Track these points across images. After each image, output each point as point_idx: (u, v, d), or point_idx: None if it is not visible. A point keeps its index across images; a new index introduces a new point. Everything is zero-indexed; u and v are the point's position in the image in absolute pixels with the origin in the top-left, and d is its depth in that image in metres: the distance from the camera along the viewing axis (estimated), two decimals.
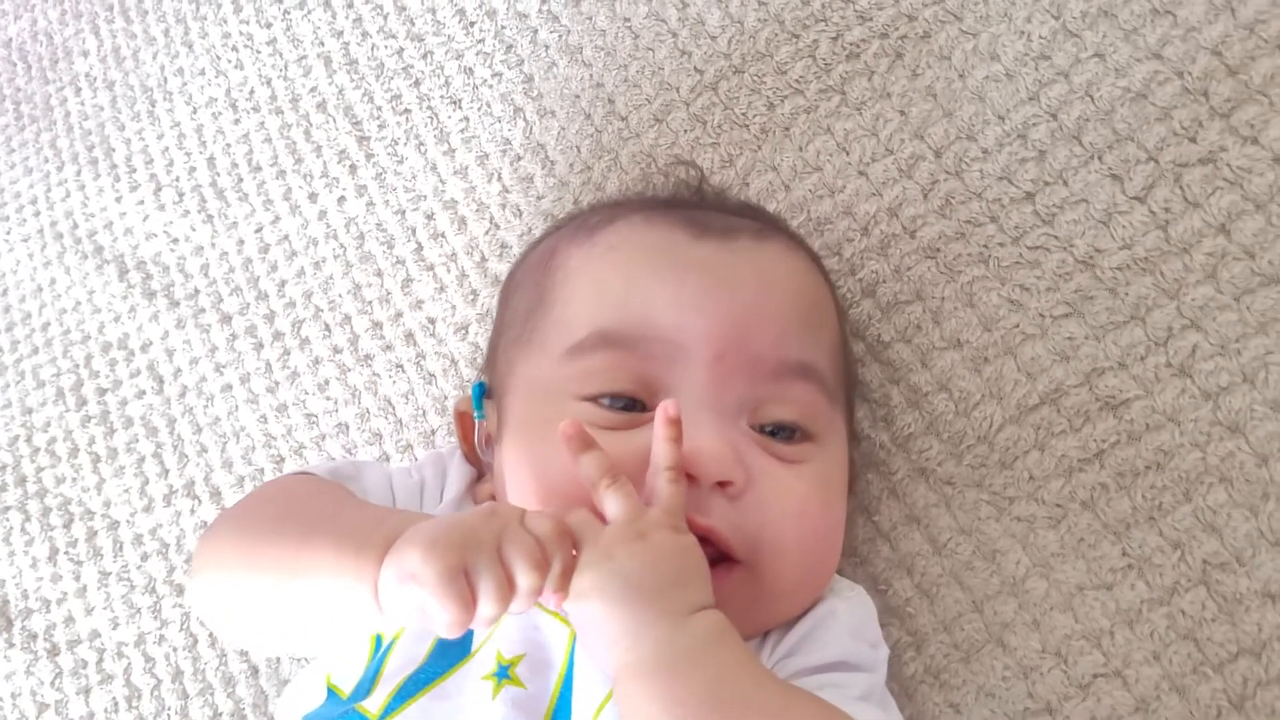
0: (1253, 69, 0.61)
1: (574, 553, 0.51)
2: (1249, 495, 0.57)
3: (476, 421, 0.66)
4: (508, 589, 0.47)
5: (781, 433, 0.59)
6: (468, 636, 0.57)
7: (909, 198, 0.69)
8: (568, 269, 0.63)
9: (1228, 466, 0.58)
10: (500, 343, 0.66)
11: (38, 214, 1.16)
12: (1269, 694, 0.55)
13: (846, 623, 0.59)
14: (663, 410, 0.54)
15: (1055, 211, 0.65)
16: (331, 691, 0.59)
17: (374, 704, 0.55)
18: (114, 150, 1.13)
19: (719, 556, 0.56)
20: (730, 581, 0.55)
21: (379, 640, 0.58)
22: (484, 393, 0.66)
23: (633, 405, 0.58)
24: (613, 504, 0.52)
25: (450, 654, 0.56)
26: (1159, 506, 0.60)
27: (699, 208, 0.67)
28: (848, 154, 0.72)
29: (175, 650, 0.87)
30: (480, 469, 0.67)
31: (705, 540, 0.54)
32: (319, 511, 0.58)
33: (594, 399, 0.58)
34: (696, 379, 0.57)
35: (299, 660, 0.79)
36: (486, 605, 0.47)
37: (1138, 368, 0.61)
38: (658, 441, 0.54)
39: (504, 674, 0.54)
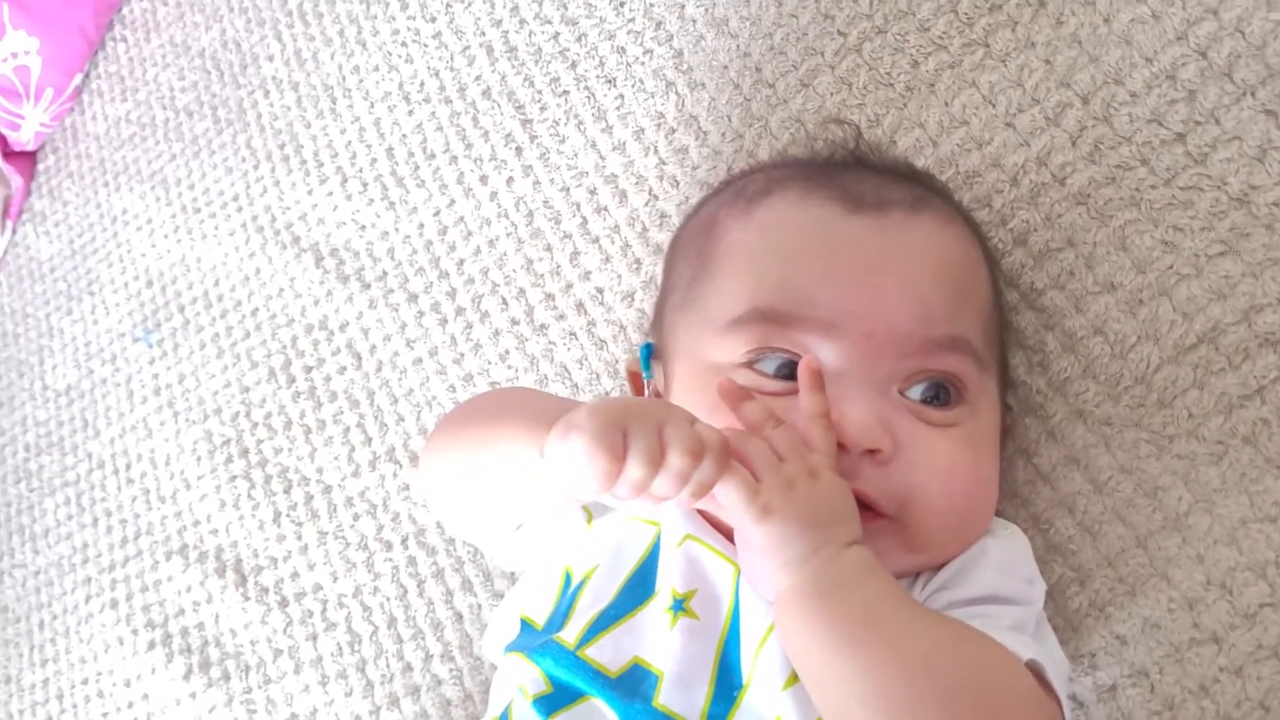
0: None
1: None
2: None
3: (646, 381, 0.71)
4: (658, 458, 0.52)
5: (933, 400, 0.62)
6: (651, 578, 0.62)
7: (1057, 146, 0.71)
8: (727, 242, 0.67)
9: None
10: (665, 306, 0.71)
11: (240, 210, 1.27)
12: None
13: (998, 560, 0.62)
14: (804, 365, 0.59)
15: (1207, 151, 0.65)
16: (525, 624, 0.66)
17: (570, 635, 0.61)
18: (302, 146, 1.23)
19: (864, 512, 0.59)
20: (874, 531, 0.59)
21: (568, 579, 0.65)
22: (651, 353, 0.71)
23: (790, 371, 0.62)
24: (782, 441, 0.57)
25: (637, 593, 0.62)
26: None
27: (853, 170, 0.70)
28: (994, 106, 0.73)
29: (388, 600, 0.96)
30: None
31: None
32: (518, 400, 0.66)
33: (751, 364, 0.62)
34: (847, 354, 0.61)
35: (496, 604, 0.87)
36: (634, 466, 0.52)
37: None
38: (804, 393, 0.58)
39: (679, 607, 0.60)
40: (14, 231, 1.53)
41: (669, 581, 0.61)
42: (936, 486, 0.60)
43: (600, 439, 0.52)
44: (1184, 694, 0.62)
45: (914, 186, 0.68)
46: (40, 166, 1.57)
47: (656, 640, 0.60)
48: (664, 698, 0.58)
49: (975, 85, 0.74)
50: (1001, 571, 0.62)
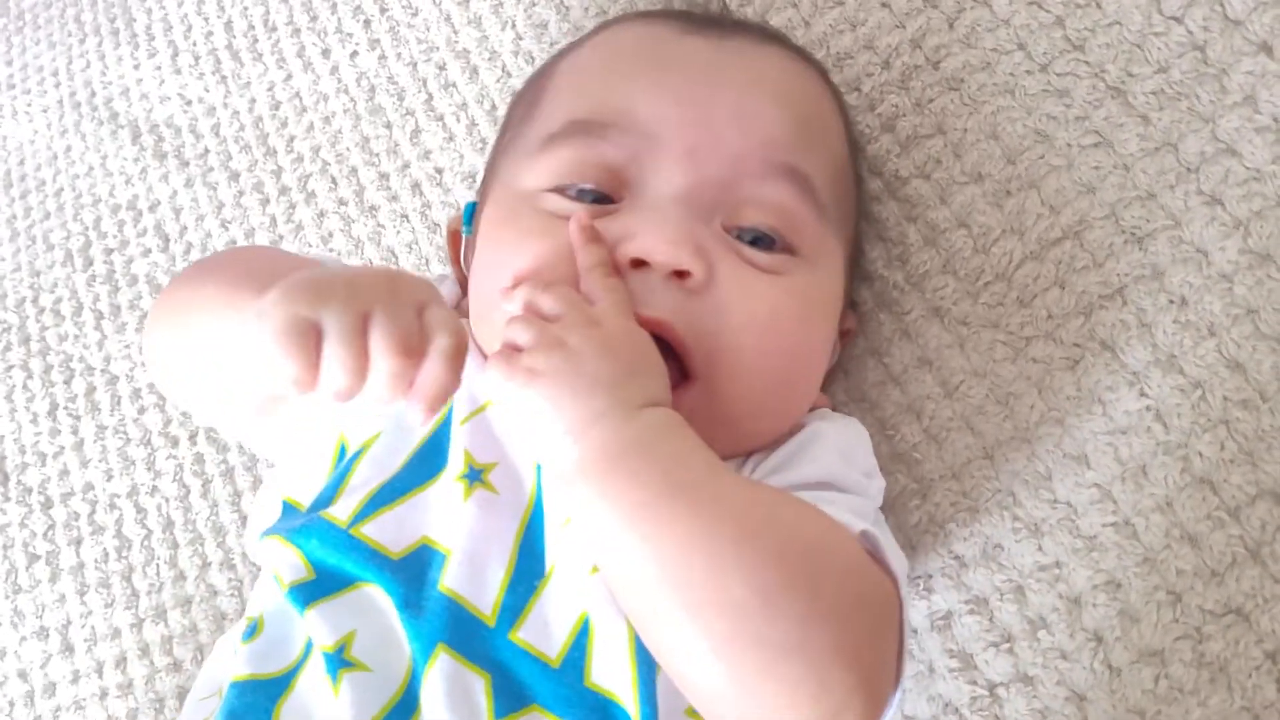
0: None
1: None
2: (1276, 326, 0.53)
3: (465, 238, 0.63)
4: (361, 358, 0.42)
5: (761, 241, 0.54)
6: (444, 446, 0.53)
7: (933, 27, 0.66)
8: (559, 71, 0.61)
9: (1255, 296, 0.54)
10: (494, 156, 0.64)
11: (58, 85, 1.15)
12: None
13: (835, 444, 0.56)
14: (574, 220, 0.52)
15: (1086, 36, 0.61)
16: (288, 505, 0.56)
17: (341, 511, 0.52)
18: (135, 20, 1.11)
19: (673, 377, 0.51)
20: (683, 398, 0.51)
21: (343, 450, 0.56)
22: (475, 211, 0.63)
23: (602, 200, 0.54)
24: (550, 302, 0.49)
25: (428, 464, 0.53)
26: (1181, 345, 0.56)
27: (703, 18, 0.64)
28: None
29: (167, 500, 0.85)
30: (466, 292, 0.65)
31: (657, 339, 0.50)
32: (244, 261, 0.54)
33: (561, 190, 0.55)
34: (667, 171, 0.54)
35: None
36: (330, 372, 0.42)
37: (1166, 196, 0.58)
38: (577, 249, 0.51)
39: (476, 477, 0.52)
40: None
41: (463, 445, 0.52)
42: (753, 335, 0.52)
43: (288, 334, 0.41)
44: (1024, 624, 0.57)
45: (770, 34, 0.63)
46: None
47: (446, 515, 0.51)
48: (450, 580, 0.49)
49: None
50: (840, 456, 0.55)
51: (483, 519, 0.50)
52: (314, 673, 0.49)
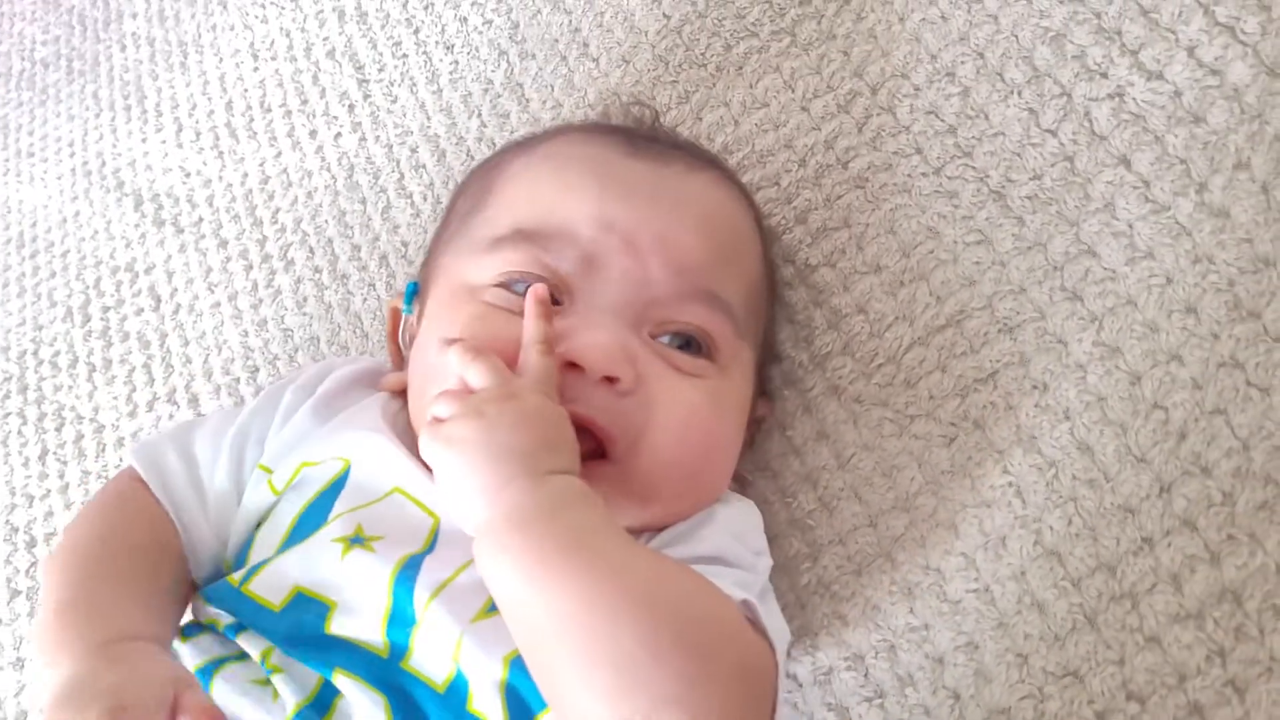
0: (1162, 8, 0.63)
1: None
2: (1121, 413, 0.59)
3: (405, 316, 0.69)
4: None
5: (683, 346, 0.60)
6: (326, 509, 0.59)
7: (844, 131, 0.72)
8: (507, 174, 0.66)
9: (1105, 385, 0.59)
10: (437, 242, 0.69)
11: (72, 155, 1.24)
12: (1120, 608, 0.55)
13: (726, 525, 0.60)
14: (532, 292, 0.57)
15: (974, 144, 0.68)
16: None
17: (239, 574, 0.58)
18: (146, 97, 1.20)
19: (591, 453, 0.56)
20: (598, 473, 0.55)
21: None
22: (416, 292, 0.69)
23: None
24: (476, 374, 0.54)
25: (309, 524, 0.59)
26: (1040, 426, 0.61)
27: (644, 134, 0.71)
28: (793, 91, 0.75)
29: None
30: (400, 364, 0.70)
31: (583, 430, 0.55)
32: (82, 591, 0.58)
33: (506, 285, 0.60)
34: (601, 286, 0.59)
35: None
36: None
37: (1035, 291, 0.63)
38: (527, 320, 0.56)
39: (359, 541, 0.56)
40: None
41: (358, 519, 0.57)
42: (672, 430, 0.58)
43: None
44: (894, 681, 0.61)
45: (701, 156, 0.69)
46: None
47: (323, 568, 0.56)
48: (337, 626, 0.54)
49: (779, 70, 0.76)
50: (731, 535, 0.59)
51: (361, 574, 0.55)
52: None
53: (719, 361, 0.61)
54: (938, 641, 0.60)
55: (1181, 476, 0.56)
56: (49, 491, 0.99)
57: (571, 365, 0.57)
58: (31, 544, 0.97)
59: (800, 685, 0.64)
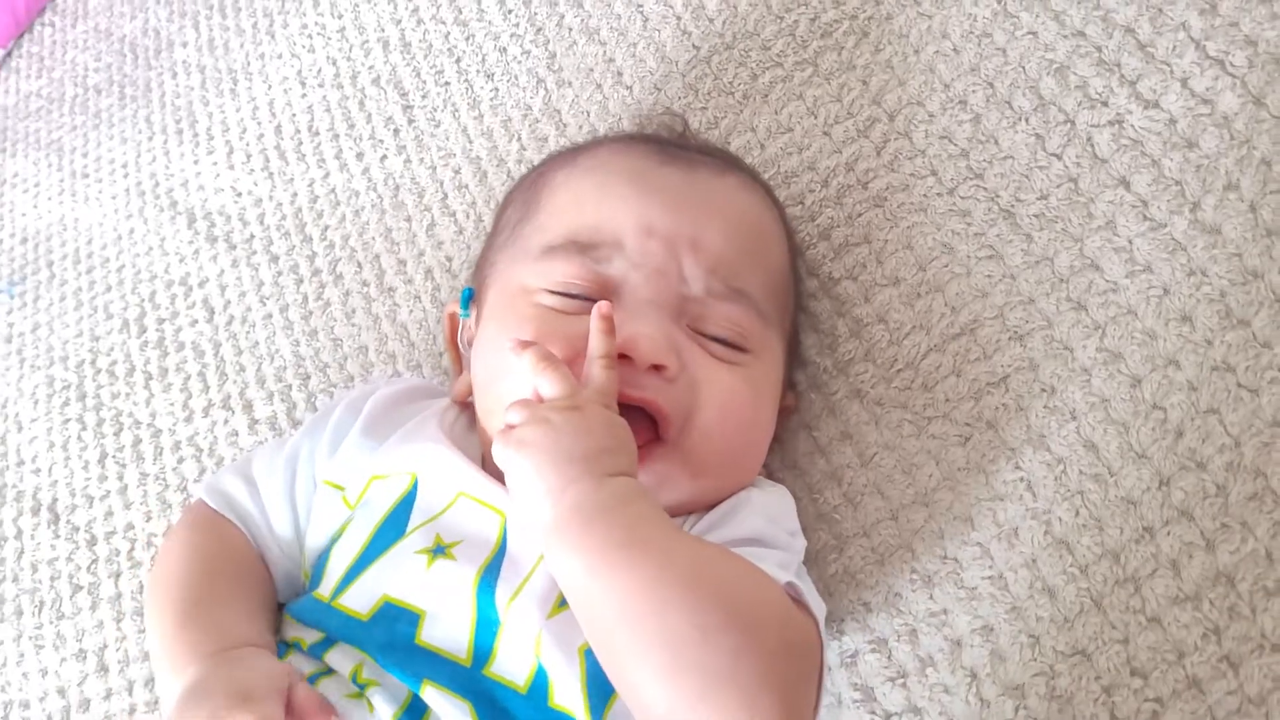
0: (1158, 43, 0.69)
1: None
2: (1123, 413, 0.64)
3: (462, 321, 0.75)
4: None
5: (718, 342, 0.66)
6: (404, 520, 0.64)
7: (864, 154, 0.78)
8: (553, 185, 0.72)
9: (1108, 388, 0.64)
10: (490, 249, 0.75)
11: (126, 175, 1.30)
12: (1124, 592, 0.60)
13: (762, 508, 0.65)
14: (596, 309, 0.62)
15: (985, 166, 0.73)
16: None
17: (325, 588, 0.64)
18: (197, 122, 1.27)
19: (645, 441, 0.62)
20: (656, 453, 0.62)
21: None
22: (471, 297, 0.75)
23: (589, 300, 0.66)
24: (547, 384, 0.59)
25: (388, 536, 0.64)
26: (1049, 426, 0.66)
27: (674, 141, 0.76)
28: (815, 117, 0.81)
29: None
30: (461, 367, 0.76)
31: (641, 410, 0.62)
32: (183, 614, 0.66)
33: (560, 293, 0.66)
34: (644, 282, 0.66)
35: None
36: None
37: (1043, 301, 0.68)
38: (593, 334, 0.61)
39: (440, 551, 0.62)
40: None
41: (435, 529, 0.63)
42: (716, 410, 0.64)
43: None
44: (916, 662, 0.66)
45: (727, 160, 0.75)
46: None
47: (410, 579, 0.61)
48: (426, 635, 0.59)
49: (802, 98, 0.82)
50: (767, 518, 0.65)
51: (445, 583, 0.61)
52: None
53: (751, 350, 0.67)
54: (956, 625, 0.65)
55: (1179, 471, 0.61)
56: (108, 493, 1.04)
57: (622, 356, 0.62)
58: (92, 542, 1.02)
59: (829, 668, 0.69)
